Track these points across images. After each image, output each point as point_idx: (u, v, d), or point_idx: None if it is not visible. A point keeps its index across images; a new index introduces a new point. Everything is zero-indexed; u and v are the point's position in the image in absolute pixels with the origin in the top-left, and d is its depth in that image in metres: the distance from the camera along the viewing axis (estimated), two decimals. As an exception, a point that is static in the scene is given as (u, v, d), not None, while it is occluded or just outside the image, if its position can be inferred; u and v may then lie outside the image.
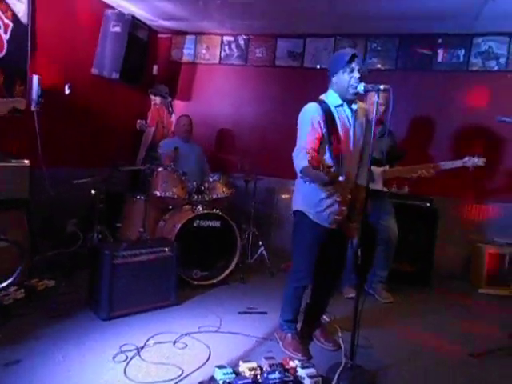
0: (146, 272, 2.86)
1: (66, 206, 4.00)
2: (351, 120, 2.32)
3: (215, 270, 3.54)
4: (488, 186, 4.32)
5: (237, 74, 5.14)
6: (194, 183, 3.72)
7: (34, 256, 3.28)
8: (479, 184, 4.29)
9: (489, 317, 3.37)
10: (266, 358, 2.18)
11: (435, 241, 4.01)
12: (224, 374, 2.03)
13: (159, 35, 5.31)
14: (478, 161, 3.23)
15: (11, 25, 3.33)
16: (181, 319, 2.81)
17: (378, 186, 3.27)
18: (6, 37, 3.31)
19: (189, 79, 5.33)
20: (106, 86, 4.51)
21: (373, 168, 3.06)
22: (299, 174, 2.16)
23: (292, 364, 2.16)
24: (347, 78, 2.21)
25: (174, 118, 5.22)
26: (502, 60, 4.22)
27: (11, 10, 3.32)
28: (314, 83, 4.54)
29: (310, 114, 2.27)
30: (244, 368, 2.09)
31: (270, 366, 2.09)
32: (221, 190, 3.75)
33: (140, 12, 4.54)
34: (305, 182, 2.20)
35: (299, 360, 2.24)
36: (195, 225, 3.44)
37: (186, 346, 2.45)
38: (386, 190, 3.39)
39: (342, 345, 2.54)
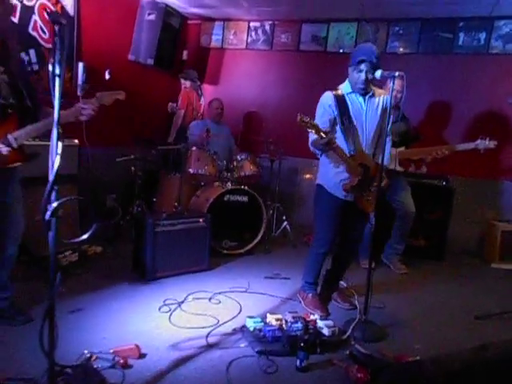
0: (183, 240, 3.22)
1: (105, 183, 4.40)
2: (364, 105, 2.61)
3: (243, 241, 3.90)
4: (503, 166, 4.48)
5: (263, 58, 5.38)
6: (224, 161, 4.05)
7: (83, 225, 3.70)
8: (495, 164, 4.45)
9: (499, 287, 3.60)
10: (290, 312, 2.51)
11: (450, 218, 4.24)
12: (254, 322, 2.38)
13: (189, 22, 5.57)
14: (489, 143, 3.41)
15: (60, 17, 3.67)
16: (214, 281, 3.18)
17: (393, 165, 3.51)
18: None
19: (217, 64, 5.61)
20: (140, 71, 4.85)
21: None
22: (310, 148, 2.56)
23: (312, 317, 2.49)
24: (356, 76, 2.53)
25: (203, 101, 5.52)
26: (523, 43, 4.32)
27: (60, 3, 3.67)
28: (336, 67, 4.77)
29: (323, 100, 2.64)
30: (271, 319, 2.43)
31: (294, 317, 2.43)
32: (248, 168, 4.07)
33: (172, 0, 4.81)
34: (320, 155, 2.59)
35: (319, 315, 2.57)
36: (225, 199, 3.78)
37: (220, 302, 2.82)
38: (399, 169, 3.62)
39: (357, 305, 2.85)
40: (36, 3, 3.43)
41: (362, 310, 2.57)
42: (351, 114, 2.57)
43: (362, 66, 2.48)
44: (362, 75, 2.50)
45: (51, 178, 1.67)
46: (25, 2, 3.33)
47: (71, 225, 3.42)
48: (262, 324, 2.37)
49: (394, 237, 3.79)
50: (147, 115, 5.10)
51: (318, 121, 2.54)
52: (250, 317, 2.45)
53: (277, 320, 2.41)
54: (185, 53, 5.58)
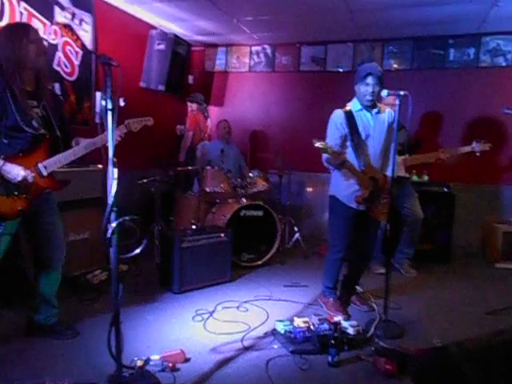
0: (207, 254, 3.43)
1: (125, 204, 4.61)
2: (371, 121, 2.86)
3: (259, 253, 4.10)
4: (501, 171, 4.75)
5: (265, 80, 5.68)
6: (238, 179, 4.28)
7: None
8: (492, 169, 4.72)
9: (504, 285, 3.81)
10: (315, 315, 2.72)
11: (453, 222, 4.48)
12: (284, 325, 2.58)
13: (193, 48, 5.87)
14: (484, 146, 3.68)
15: (81, 52, 3.95)
16: (238, 291, 3.38)
17: (400, 172, 3.77)
18: (77, 62, 3.92)
19: (221, 86, 5.90)
20: (151, 97, 5.11)
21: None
22: (324, 164, 2.80)
23: (336, 319, 2.69)
24: (363, 90, 2.77)
25: (209, 122, 5.79)
26: (509, 56, 4.64)
27: (80, 40, 3.94)
28: (335, 85, 5.11)
29: (335, 118, 2.86)
30: (298, 322, 2.62)
31: (320, 319, 2.63)
32: (260, 184, 4.32)
33: (179, 30, 5.12)
34: (329, 168, 2.84)
35: (341, 317, 2.77)
36: (242, 214, 4.00)
37: (247, 309, 3.02)
38: (407, 175, 3.87)
39: (375, 307, 3.05)
40: (60, 41, 3.70)
41: (382, 310, 2.78)
42: (360, 130, 2.81)
43: (369, 79, 2.72)
44: (369, 88, 2.73)
45: (110, 200, 1.88)
46: (50, 40, 3.59)
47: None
48: (292, 326, 2.57)
49: (404, 242, 4.02)
50: (158, 138, 5.35)
51: (330, 138, 2.80)
52: (280, 321, 2.65)
53: (304, 322, 2.60)
54: (190, 77, 5.85)
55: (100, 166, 3.78)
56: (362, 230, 2.99)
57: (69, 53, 3.82)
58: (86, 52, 4.00)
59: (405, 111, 2.62)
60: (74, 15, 3.82)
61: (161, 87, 4.90)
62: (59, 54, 3.70)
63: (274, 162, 4.78)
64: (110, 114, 1.92)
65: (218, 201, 4.30)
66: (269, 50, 5.61)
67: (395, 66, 5.10)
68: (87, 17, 3.97)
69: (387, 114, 2.91)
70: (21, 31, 2.23)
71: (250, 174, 4.35)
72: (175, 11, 4.44)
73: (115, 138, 2.45)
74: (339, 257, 2.99)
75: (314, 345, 2.40)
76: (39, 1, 3.46)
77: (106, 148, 2.25)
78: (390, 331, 2.65)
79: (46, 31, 3.55)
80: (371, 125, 2.86)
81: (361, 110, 2.85)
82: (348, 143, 2.83)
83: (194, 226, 3.71)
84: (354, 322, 2.63)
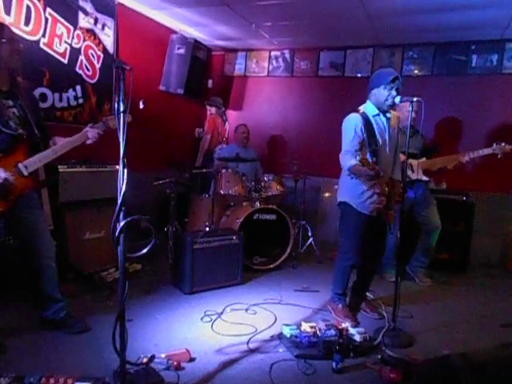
0: (218, 256, 3.46)
1: (141, 205, 4.70)
2: (386, 126, 2.82)
3: (272, 257, 4.11)
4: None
5: (283, 84, 5.70)
6: (252, 182, 4.31)
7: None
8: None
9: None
10: (323, 320, 2.70)
11: (472, 232, 4.37)
12: (290, 329, 2.58)
13: (213, 53, 5.95)
14: (506, 147, 3.54)
15: (102, 55, 4.06)
16: (248, 294, 3.39)
17: (418, 175, 3.70)
18: (98, 65, 4.04)
19: (240, 91, 5.96)
20: (170, 100, 5.21)
21: (411, 161, 3.57)
22: (347, 172, 2.72)
23: (344, 325, 2.67)
24: (386, 94, 2.69)
25: (227, 126, 5.85)
26: (534, 62, 4.52)
27: (102, 43, 4.06)
28: (354, 90, 5.08)
29: (353, 122, 2.76)
30: (305, 326, 2.62)
31: (327, 325, 2.62)
32: (275, 188, 4.32)
33: (199, 35, 5.20)
34: (351, 178, 2.74)
35: (349, 324, 2.75)
36: (255, 218, 4.02)
37: (256, 312, 3.03)
38: (426, 178, 3.79)
39: (385, 314, 3.02)
40: (82, 45, 3.82)
41: (391, 318, 2.74)
42: (378, 136, 2.76)
43: (396, 83, 2.66)
44: (393, 92, 2.67)
45: (119, 200, 1.94)
46: (73, 44, 3.72)
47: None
48: (298, 331, 2.57)
49: (420, 250, 3.95)
50: (177, 140, 5.44)
51: (348, 143, 2.73)
52: (286, 325, 2.65)
53: (311, 327, 2.60)
54: (210, 81, 5.94)
55: (117, 166, 3.87)
56: (371, 236, 2.95)
57: (91, 56, 3.94)
58: (108, 55, 4.12)
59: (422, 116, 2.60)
60: (96, 20, 3.94)
61: (179, 91, 4.99)
62: (81, 58, 3.83)
63: (290, 167, 4.79)
64: (121, 116, 1.98)
65: (232, 203, 4.34)
66: (288, 55, 5.64)
67: (415, 71, 5.03)
68: (109, 21, 4.09)
69: (396, 119, 2.89)
70: None
71: (265, 178, 4.37)
72: (195, 16, 4.52)
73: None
74: (349, 264, 2.97)
75: (318, 350, 2.39)
76: (64, 7, 3.59)
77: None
78: (398, 340, 2.62)
79: (69, 36, 3.68)
80: (386, 130, 2.83)
81: (378, 114, 2.80)
82: (366, 148, 2.75)
83: (207, 228, 3.75)
84: (361, 329, 2.60)
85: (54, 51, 3.58)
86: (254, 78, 5.86)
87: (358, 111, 2.82)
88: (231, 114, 5.97)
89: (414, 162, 3.67)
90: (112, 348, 1.88)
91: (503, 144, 3.58)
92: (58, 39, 3.58)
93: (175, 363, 2.18)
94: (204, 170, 4.43)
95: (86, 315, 2.76)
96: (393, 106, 2.75)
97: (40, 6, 3.37)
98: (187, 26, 4.93)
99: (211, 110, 5.68)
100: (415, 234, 3.95)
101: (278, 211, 4.12)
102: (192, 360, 2.28)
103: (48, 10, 3.45)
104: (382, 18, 4.18)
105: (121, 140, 1.98)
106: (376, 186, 2.77)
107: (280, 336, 2.61)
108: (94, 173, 3.53)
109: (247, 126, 4.99)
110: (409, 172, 3.67)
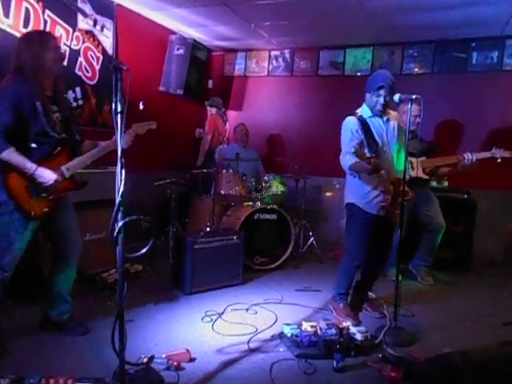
0: (219, 256, 3.46)
1: (141, 205, 4.70)
2: (384, 127, 2.85)
3: (273, 257, 4.10)
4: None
5: (283, 84, 5.70)
6: (253, 182, 4.30)
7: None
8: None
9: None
10: (324, 320, 2.69)
11: (474, 230, 4.34)
12: (291, 329, 2.57)
13: (213, 53, 5.95)
14: (505, 153, 3.55)
15: (101, 57, 4.07)
16: (249, 294, 3.39)
17: (418, 173, 3.69)
18: (97, 67, 4.05)
19: (240, 91, 5.95)
20: (170, 101, 5.21)
21: (411, 159, 3.55)
22: (348, 171, 2.73)
23: (345, 324, 2.66)
24: (374, 100, 2.77)
25: (228, 126, 5.85)
26: (535, 59, 4.50)
27: (101, 45, 4.06)
28: (354, 89, 5.03)
29: (349, 125, 2.82)
30: (306, 326, 2.61)
31: (327, 324, 2.61)
32: (276, 188, 4.31)
33: (198, 35, 5.20)
34: (354, 176, 2.77)
35: (351, 323, 2.74)
36: (255, 217, 4.01)
37: (256, 312, 3.03)
38: (425, 177, 3.78)
39: (387, 313, 3.00)
40: (81, 46, 3.83)
41: (392, 317, 2.73)
42: (376, 136, 2.79)
43: (382, 91, 2.72)
44: (381, 99, 2.74)
45: (117, 200, 1.94)
46: (72, 46, 3.72)
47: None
48: (299, 330, 2.56)
49: (423, 249, 3.93)
50: (177, 141, 5.44)
51: (347, 145, 2.76)
52: (287, 324, 2.65)
53: (312, 327, 2.59)
54: (210, 82, 5.94)
55: (117, 167, 3.88)
56: (378, 236, 2.93)
57: (90, 58, 3.94)
58: (107, 57, 4.12)
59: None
60: (95, 22, 3.94)
61: (179, 91, 4.99)
62: (80, 59, 3.83)
63: (291, 166, 4.78)
64: (119, 116, 1.98)
65: (233, 203, 4.33)
66: (287, 55, 5.63)
67: (416, 69, 5.01)
68: (108, 23, 4.10)
69: (394, 118, 2.92)
70: (41, 39, 2.32)
71: (266, 178, 4.36)
72: (194, 17, 4.52)
73: (127, 142, 2.56)
74: (355, 264, 2.96)
75: (319, 349, 2.38)
76: (63, 8, 3.59)
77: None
78: (400, 339, 2.61)
79: (68, 38, 3.68)
80: (384, 130, 2.85)
81: (373, 116, 2.85)
82: (366, 150, 2.77)
83: (208, 229, 3.75)
84: (362, 328, 2.59)
85: (54, 53, 3.58)
86: (254, 78, 5.86)
87: (355, 114, 2.87)
88: (231, 114, 5.97)
89: (414, 160, 3.66)
90: (111, 348, 1.87)
91: (502, 150, 3.59)
92: (57, 41, 3.58)
93: (175, 363, 2.18)
94: (205, 171, 4.42)
95: (86, 316, 2.76)
96: (384, 111, 2.80)
97: (39, 8, 3.38)
98: (186, 26, 4.93)
99: (212, 111, 5.67)
100: (418, 233, 3.93)
101: (279, 211, 4.11)
102: (192, 360, 2.28)
103: (47, 12, 3.45)
104: (382, 16, 4.16)
105: (118, 140, 1.98)
106: (380, 184, 2.79)
107: (281, 335, 2.60)
108: (94, 174, 3.52)
109: (246, 125, 4.99)
110: (409, 169, 3.66)
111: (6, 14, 3.14)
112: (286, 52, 5.63)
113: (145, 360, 2.16)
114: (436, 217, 3.86)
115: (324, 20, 4.42)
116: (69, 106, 2.67)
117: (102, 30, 4.02)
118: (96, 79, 4.05)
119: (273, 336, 2.63)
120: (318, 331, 2.55)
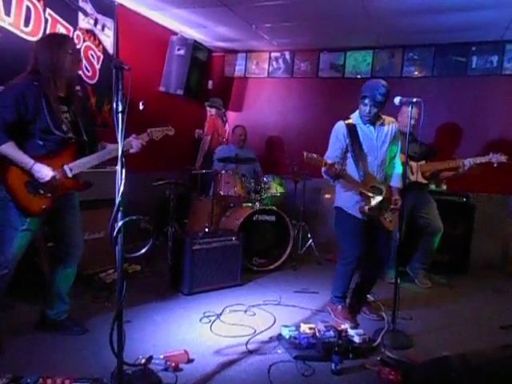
0: (218, 257, 3.45)
1: (140, 206, 4.69)
2: (374, 133, 2.87)
3: (271, 258, 4.10)
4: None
5: (283, 85, 5.70)
6: (252, 183, 4.30)
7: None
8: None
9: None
10: (322, 322, 2.69)
11: (472, 233, 4.35)
12: (289, 330, 2.57)
13: (213, 54, 5.95)
14: (501, 158, 3.57)
15: (102, 56, 4.06)
16: (247, 295, 3.38)
17: (418, 177, 3.72)
18: (98, 66, 4.04)
19: (240, 92, 5.95)
20: (170, 101, 5.20)
21: (411, 163, 3.59)
22: (324, 176, 2.88)
23: (343, 327, 2.66)
24: (362, 108, 2.82)
25: (227, 127, 5.84)
26: (535, 63, 4.52)
27: (102, 44, 4.06)
28: (353, 92, 5.01)
29: (337, 129, 2.92)
30: (304, 328, 2.61)
31: (326, 326, 2.60)
32: (275, 189, 4.32)
33: (199, 36, 5.20)
34: (329, 181, 2.91)
35: (349, 325, 2.74)
36: (254, 219, 4.01)
37: (255, 314, 3.03)
38: (424, 181, 3.79)
39: (385, 316, 3.00)
40: (82, 45, 3.82)
41: (390, 320, 2.73)
42: (362, 142, 2.84)
43: (366, 101, 2.77)
44: (366, 108, 2.79)
45: (117, 200, 1.93)
46: (73, 45, 3.72)
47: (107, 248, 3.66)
48: (297, 332, 2.56)
49: (421, 252, 3.94)
50: (177, 141, 5.42)
51: (330, 149, 2.89)
52: (285, 326, 2.64)
53: (310, 329, 2.59)
54: (210, 82, 5.94)
55: (117, 167, 3.87)
56: (373, 240, 2.95)
57: (90, 57, 3.94)
58: (107, 56, 4.11)
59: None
60: (96, 21, 3.94)
61: (179, 92, 4.98)
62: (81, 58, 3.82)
63: (290, 167, 4.77)
64: (120, 116, 1.97)
65: (232, 204, 4.33)
66: (288, 56, 5.63)
67: (416, 73, 5.02)
68: (109, 22, 4.10)
69: (391, 126, 2.93)
70: (60, 42, 2.35)
71: (265, 179, 4.36)
72: (195, 18, 4.52)
73: (137, 145, 2.56)
74: (350, 268, 2.96)
75: (317, 351, 2.38)
76: (64, 7, 3.59)
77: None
78: (398, 341, 2.61)
79: (69, 36, 3.68)
80: (374, 136, 2.89)
81: (362, 123, 2.89)
82: (349, 154, 2.87)
83: (206, 229, 3.74)
84: (360, 331, 2.59)
85: (54, 52, 3.58)
86: (254, 79, 5.86)
87: (347, 119, 2.92)
88: (231, 115, 5.96)
89: (413, 164, 3.68)
90: (109, 349, 1.87)
91: (499, 154, 3.60)
92: (57, 40, 3.58)
93: (173, 364, 2.17)
94: (203, 171, 4.42)
95: (84, 316, 2.76)
96: (371, 120, 2.84)
97: (40, 6, 3.37)
98: (187, 27, 4.93)
99: (211, 112, 5.67)
100: (416, 235, 3.94)
101: (278, 212, 4.11)
102: (190, 361, 2.27)
103: (48, 10, 3.45)
104: (383, 19, 4.17)
105: (119, 140, 1.97)
106: (356, 189, 2.84)
107: (279, 337, 2.60)
108: (93, 173, 3.51)
109: (244, 127, 4.99)
110: (408, 174, 3.67)
111: (7, 12, 3.14)
112: (287, 53, 5.63)
113: (143, 361, 2.16)
114: (434, 220, 3.87)
115: (325, 22, 4.43)
116: (84, 107, 2.68)
117: (102, 29, 4.02)
118: (96, 78, 4.05)
119: (271, 338, 2.63)
120: (317, 333, 2.55)
